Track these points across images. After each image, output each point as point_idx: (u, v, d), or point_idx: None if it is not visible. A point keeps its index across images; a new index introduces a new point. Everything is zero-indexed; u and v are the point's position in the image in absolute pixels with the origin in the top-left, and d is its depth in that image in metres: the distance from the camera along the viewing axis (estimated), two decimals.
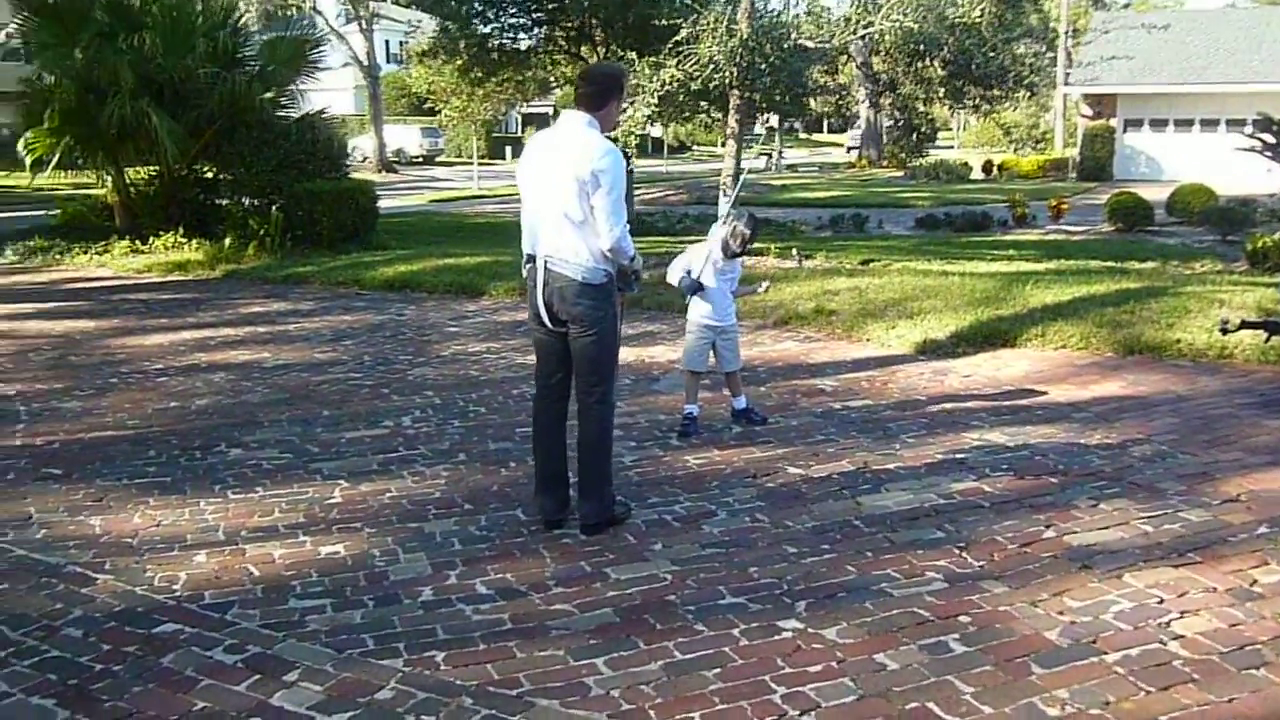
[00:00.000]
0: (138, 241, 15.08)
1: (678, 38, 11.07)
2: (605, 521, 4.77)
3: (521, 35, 17.96)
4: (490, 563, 4.49)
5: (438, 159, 50.95)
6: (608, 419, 4.83)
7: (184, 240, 14.95)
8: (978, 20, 10.57)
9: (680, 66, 10.92)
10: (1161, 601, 3.98)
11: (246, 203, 15.14)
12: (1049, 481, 5.32)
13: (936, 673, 3.52)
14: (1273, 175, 16.12)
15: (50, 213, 18.33)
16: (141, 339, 9.59)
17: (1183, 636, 3.72)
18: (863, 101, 27.72)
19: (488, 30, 16.90)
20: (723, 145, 13.01)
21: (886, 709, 3.33)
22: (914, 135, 14.58)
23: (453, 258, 13.64)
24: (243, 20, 16.05)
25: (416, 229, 20.04)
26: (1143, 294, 9.25)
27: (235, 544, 4.78)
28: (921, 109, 12.89)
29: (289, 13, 43.90)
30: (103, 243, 15.21)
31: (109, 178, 15.80)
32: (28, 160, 15.01)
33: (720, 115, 13.76)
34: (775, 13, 10.71)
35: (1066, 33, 30.11)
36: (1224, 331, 6.92)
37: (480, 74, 18.18)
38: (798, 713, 3.32)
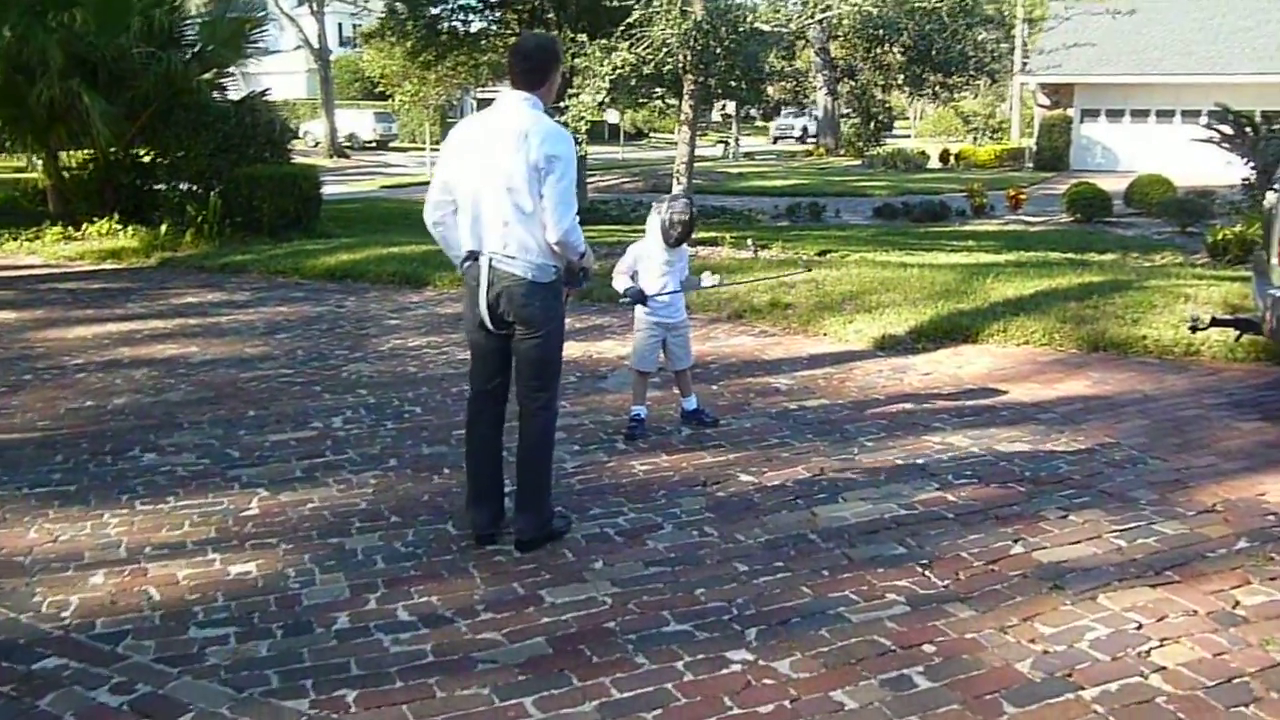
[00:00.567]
0: (71, 228, 14.49)
1: (630, 20, 10.67)
2: (544, 536, 4.41)
3: (472, 17, 17.49)
4: (415, 584, 4.12)
5: (391, 144, 50.15)
6: (551, 426, 4.49)
7: (119, 227, 14.36)
8: (938, 5, 10.26)
9: (632, 49, 10.54)
10: (1140, 627, 3.68)
11: (184, 188, 14.59)
12: (1015, 490, 5.02)
13: (899, 713, 3.19)
14: (1232, 167, 15.99)
15: None
16: (64, 332, 9.09)
17: (1164, 668, 3.41)
18: (820, 88, 27.40)
19: (437, 11, 16.40)
20: (677, 132, 12.62)
21: None
22: (871, 124, 14.33)
23: (398, 246, 13.19)
24: None
25: (364, 216, 19.53)
26: (1106, 288, 9.00)
27: (137, 562, 4.37)
28: (879, 97, 12.61)
29: None
30: (34, 229, 14.60)
31: (39, 161, 15.15)
32: None
33: (675, 101, 13.37)
34: None
35: (1023, 20, 30.00)
36: (1194, 329, 6.67)
37: (430, 57, 17.69)
38: None
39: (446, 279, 10.57)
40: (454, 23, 17.15)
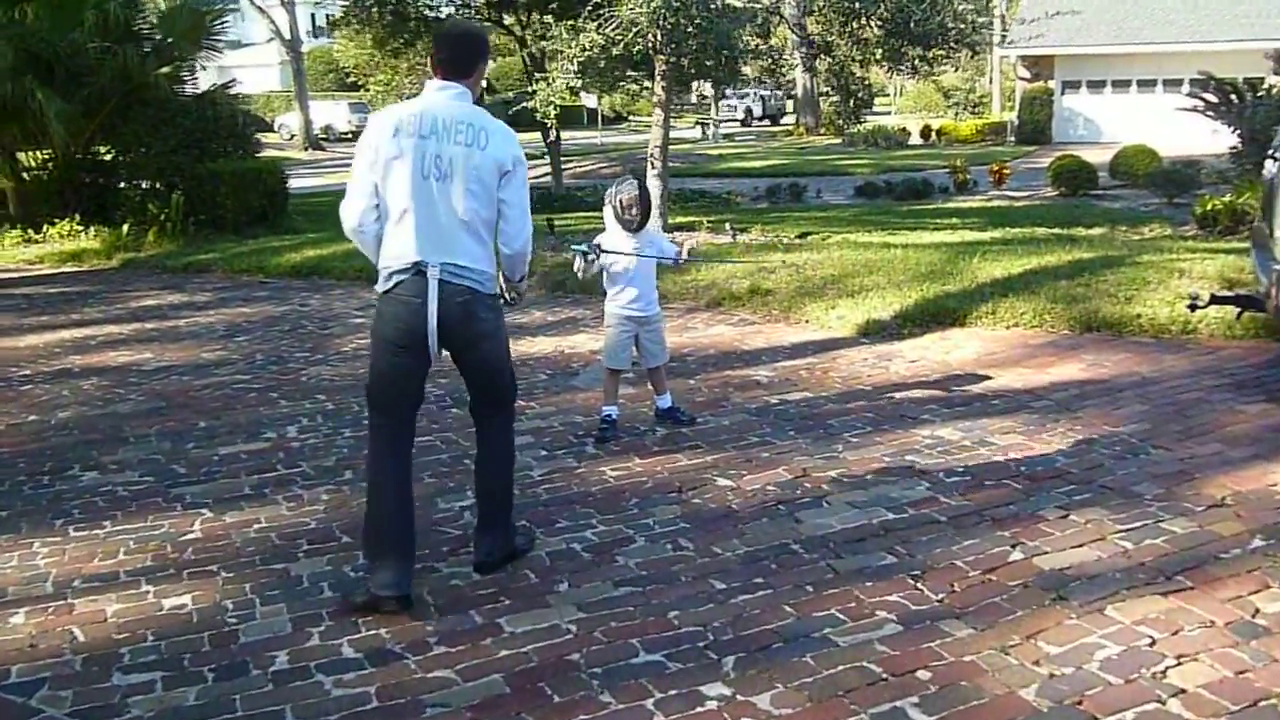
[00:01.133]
0: (30, 230, 14.06)
1: None
2: (507, 556, 4.07)
3: (440, 2, 17.05)
4: (363, 614, 3.76)
5: None
6: (513, 437, 4.19)
7: (80, 228, 13.95)
8: None
9: (600, 30, 10.15)
10: (1153, 643, 3.36)
11: (145, 186, 14.17)
12: (1011, 487, 4.70)
13: None
14: (1218, 136, 15.68)
15: None
16: (14, 341, 8.71)
17: (1183, 691, 3.10)
18: (797, 66, 27.01)
19: None
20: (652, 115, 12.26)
21: None
22: (851, 101, 14.00)
23: None
24: None
25: (334, 210, 19.04)
26: (1097, 264, 8.68)
27: (63, 598, 4.02)
28: (858, 74, 12.23)
29: None
30: None
31: None
32: None
33: (649, 83, 12.98)
34: None
35: None
36: (1193, 308, 6.34)
37: (399, 44, 17.23)
38: None
39: None
40: (421, 8, 16.70)
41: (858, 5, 10.20)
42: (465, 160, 3.65)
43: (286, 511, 4.79)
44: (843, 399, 6.15)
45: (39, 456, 5.71)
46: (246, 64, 53.80)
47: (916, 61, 11.25)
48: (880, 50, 11.11)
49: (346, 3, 16.79)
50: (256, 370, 7.38)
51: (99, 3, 13.71)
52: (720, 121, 46.06)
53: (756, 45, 12.09)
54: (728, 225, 12.29)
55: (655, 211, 12.00)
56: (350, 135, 48.73)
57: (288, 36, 41.03)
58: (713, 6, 10.05)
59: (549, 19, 10.89)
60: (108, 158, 15.14)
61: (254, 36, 53.07)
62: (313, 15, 55.52)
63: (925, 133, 36.01)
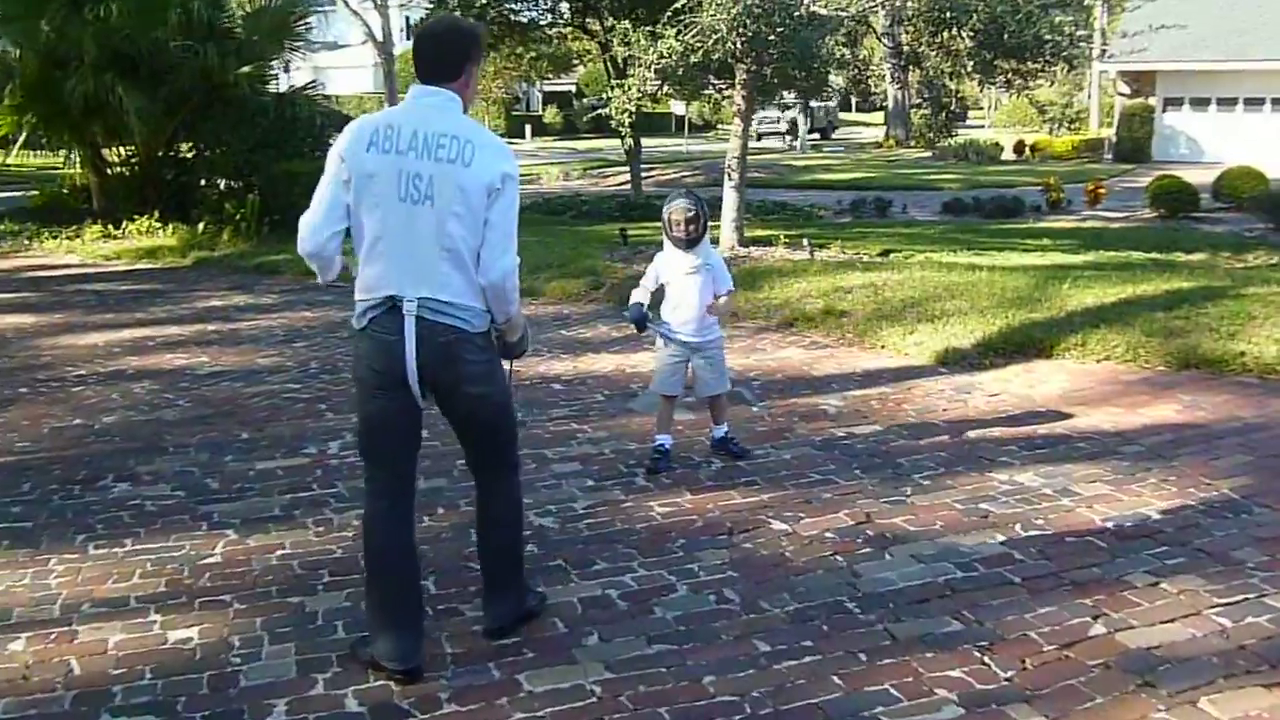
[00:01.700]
0: (111, 226, 14.15)
1: (677, 4, 9.97)
2: (519, 620, 3.68)
3: (521, 6, 16.90)
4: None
5: None
6: (521, 493, 3.75)
7: (159, 225, 14.00)
8: None
9: (679, 36, 9.83)
10: None
11: (223, 185, 14.19)
12: (1095, 546, 4.26)
13: None
14: None
15: (30, 193, 17.51)
16: (77, 338, 8.66)
17: None
18: (886, 77, 26.47)
19: (485, 1, 15.82)
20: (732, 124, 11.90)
21: None
22: (942, 114, 13.52)
23: None
24: None
25: None
26: (1198, 295, 8.12)
27: (68, 624, 3.80)
28: (950, 86, 11.78)
29: None
30: (75, 227, 14.31)
31: (78, 158, 14.87)
32: None
33: (731, 91, 12.62)
34: None
35: (1102, 3, 28.70)
36: None
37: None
38: None
39: None
40: (504, 10, 16.55)
41: (949, 15, 9.74)
42: (448, 179, 3.17)
43: (314, 537, 4.54)
44: (915, 435, 5.74)
45: (75, 464, 5.55)
46: (341, 65, 54.58)
47: (1010, 75, 10.75)
48: (972, 62, 10.63)
49: (430, 5, 16.70)
50: (308, 379, 7.19)
51: (183, 1, 13.76)
52: (760, 135, 42.91)
53: (842, 55, 11.66)
54: (805, 241, 11.86)
55: (731, 225, 11.72)
56: None
57: (380, 39, 41.39)
58: (796, 14, 9.68)
59: (627, 24, 10.60)
60: (189, 156, 15.22)
61: (350, 38, 53.76)
62: (407, 18, 56.19)
63: (1019, 148, 35.06)
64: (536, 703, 3.23)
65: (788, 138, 39.47)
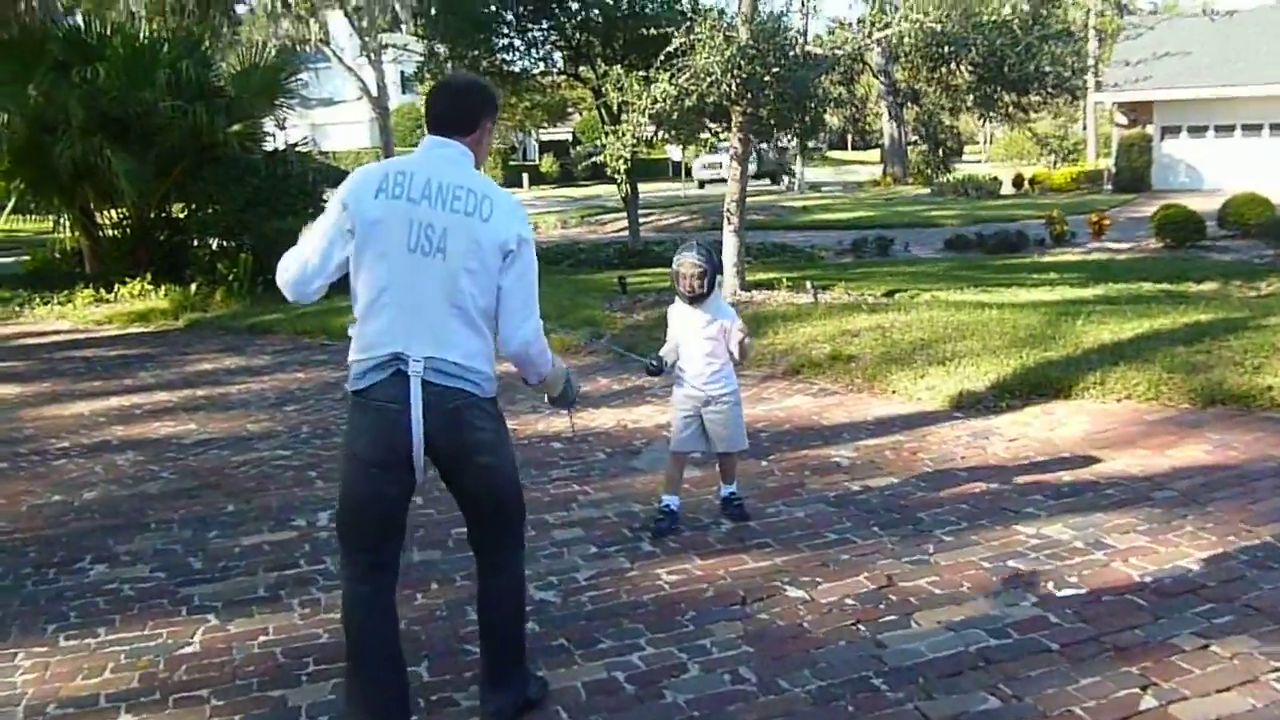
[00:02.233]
0: (103, 290, 13.97)
1: (669, 49, 9.80)
2: (520, 711, 3.38)
3: (513, 55, 16.80)
4: None
5: None
6: (523, 566, 3.43)
7: (151, 287, 13.82)
8: (1009, 17, 9.25)
9: (673, 80, 9.65)
10: None
11: (215, 245, 14.01)
12: (1136, 606, 3.97)
13: None
14: None
15: (23, 259, 17.35)
16: (63, 408, 8.41)
17: None
18: (883, 115, 26.35)
19: (478, 52, 15.72)
20: (727, 168, 11.70)
21: None
22: (939, 150, 13.32)
23: None
24: (209, 49, 14.88)
25: None
26: (1218, 327, 7.86)
27: None
28: (946, 121, 11.58)
29: (305, 48, 43.26)
30: (66, 292, 14.12)
31: (68, 221, 14.71)
32: None
33: (727, 135, 12.43)
34: (778, 15, 9.43)
35: (1094, 34, 28.65)
36: None
37: None
38: None
39: None
40: (497, 62, 16.44)
41: (947, 50, 9.56)
42: (463, 232, 2.98)
43: (299, 620, 4.25)
44: (933, 486, 5.45)
45: (52, 544, 5.27)
46: (337, 121, 54.86)
47: (1010, 108, 10.56)
48: (972, 96, 10.44)
49: (421, 58, 16.61)
50: (299, 445, 6.93)
51: (171, 61, 13.65)
52: (704, 182, 41.53)
53: (839, 94, 11.49)
54: (809, 284, 11.63)
55: (732, 269, 11.49)
56: None
57: (375, 94, 41.53)
58: (791, 54, 9.50)
59: (618, 69, 10.43)
60: (181, 216, 15.07)
61: (345, 94, 53.94)
62: (402, 72, 56.48)
63: (1018, 181, 34.97)
64: None
65: (784, 179, 39.31)
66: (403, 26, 35.23)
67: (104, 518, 5.68)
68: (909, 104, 11.80)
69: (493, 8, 15.99)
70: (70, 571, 4.90)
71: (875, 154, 52.85)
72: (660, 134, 12.60)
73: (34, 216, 15.56)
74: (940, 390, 7.12)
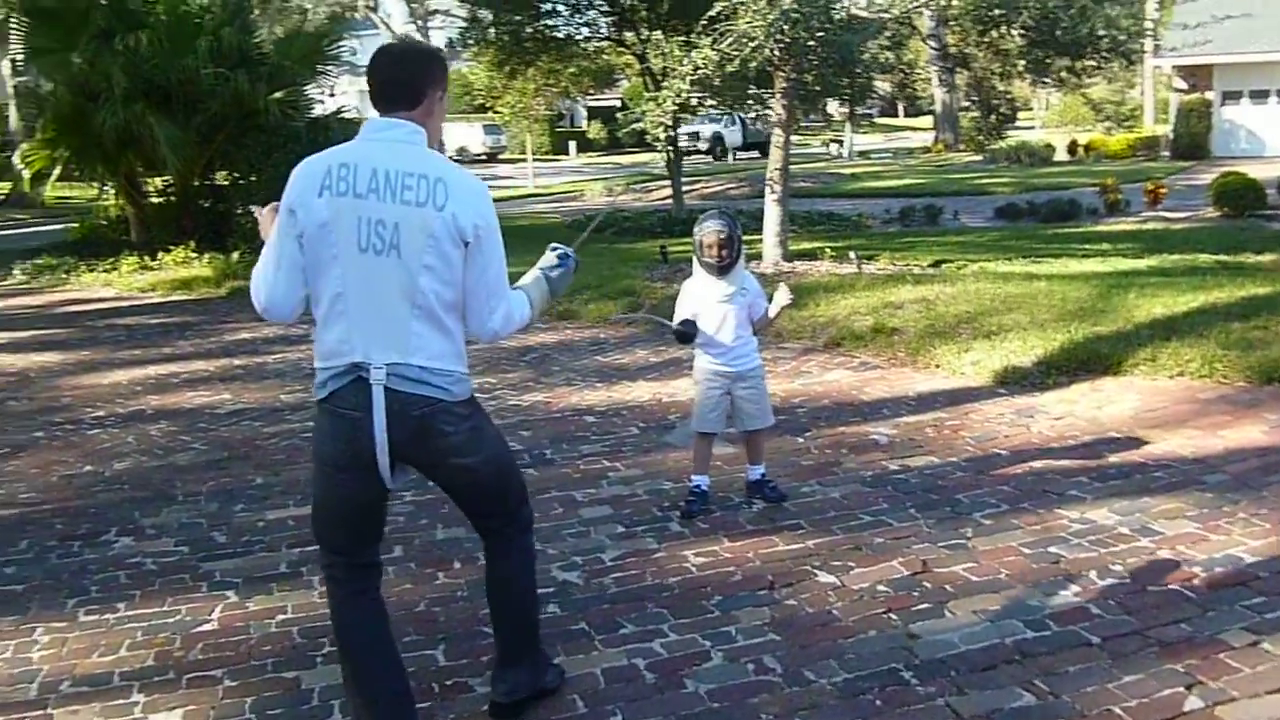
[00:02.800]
0: (147, 257, 14.02)
1: (712, 13, 9.59)
2: (533, 696, 3.27)
3: (557, 21, 16.59)
4: None
5: (501, 156, 49.87)
6: (534, 548, 3.31)
7: (195, 255, 13.85)
8: None
9: (715, 45, 9.44)
10: None
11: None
12: (1183, 597, 3.79)
13: None
14: None
15: (70, 226, 17.49)
16: (101, 377, 8.42)
17: None
18: (931, 80, 25.80)
19: (520, 17, 15.54)
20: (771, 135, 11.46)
21: None
22: (992, 115, 12.88)
23: None
24: (258, 15, 14.86)
25: None
26: (1277, 302, 7.57)
27: (43, 707, 3.47)
28: (999, 87, 11.24)
29: (354, 14, 43.29)
30: (112, 259, 14.20)
31: (112, 189, 14.79)
32: (26, 175, 14.05)
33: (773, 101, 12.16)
34: None
35: (1153, 0, 27.90)
36: None
37: (517, 65, 16.84)
38: None
39: None
40: (540, 28, 16.25)
41: (998, 13, 9.26)
42: (416, 226, 2.72)
43: (318, 598, 4.16)
44: (974, 467, 5.28)
45: (79, 516, 5.26)
46: None
47: (1064, 73, 10.23)
48: (1023, 61, 10.13)
49: (463, 24, 16.47)
50: None
51: (214, 29, 13.62)
52: (687, 152, 39.92)
53: (886, 59, 11.21)
54: (852, 253, 11.39)
55: (774, 239, 11.30)
56: (484, 157, 49.30)
57: None
58: (836, 18, 9.25)
59: (658, 34, 10.23)
60: (225, 184, 15.09)
61: None
62: (449, 39, 56.40)
63: (1072, 148, 34.23)
64: None
65: (834, 145, 38.80)
66: None
67: (133, 489, 5.65)
68: (959, 69, 11.49)
69: None
70: (95, 544, 4.88)
71: (927, 120, 51.91)
72: (704, 100, 12.40)
73: (81, 184, 15.63)
74: (985, 365, 6.92)
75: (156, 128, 12.64)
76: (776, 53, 9.38)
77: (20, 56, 16.93)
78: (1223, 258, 11.76)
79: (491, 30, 15.78)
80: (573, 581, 4.21)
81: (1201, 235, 14.34)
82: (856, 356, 7.67)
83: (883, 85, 17.16)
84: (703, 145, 41.52)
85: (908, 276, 10.03)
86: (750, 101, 13.46)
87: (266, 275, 2.87)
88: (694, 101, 10.87)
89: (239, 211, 14.42)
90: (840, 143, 38.12)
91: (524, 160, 38.68)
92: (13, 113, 21.97)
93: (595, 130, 55.09)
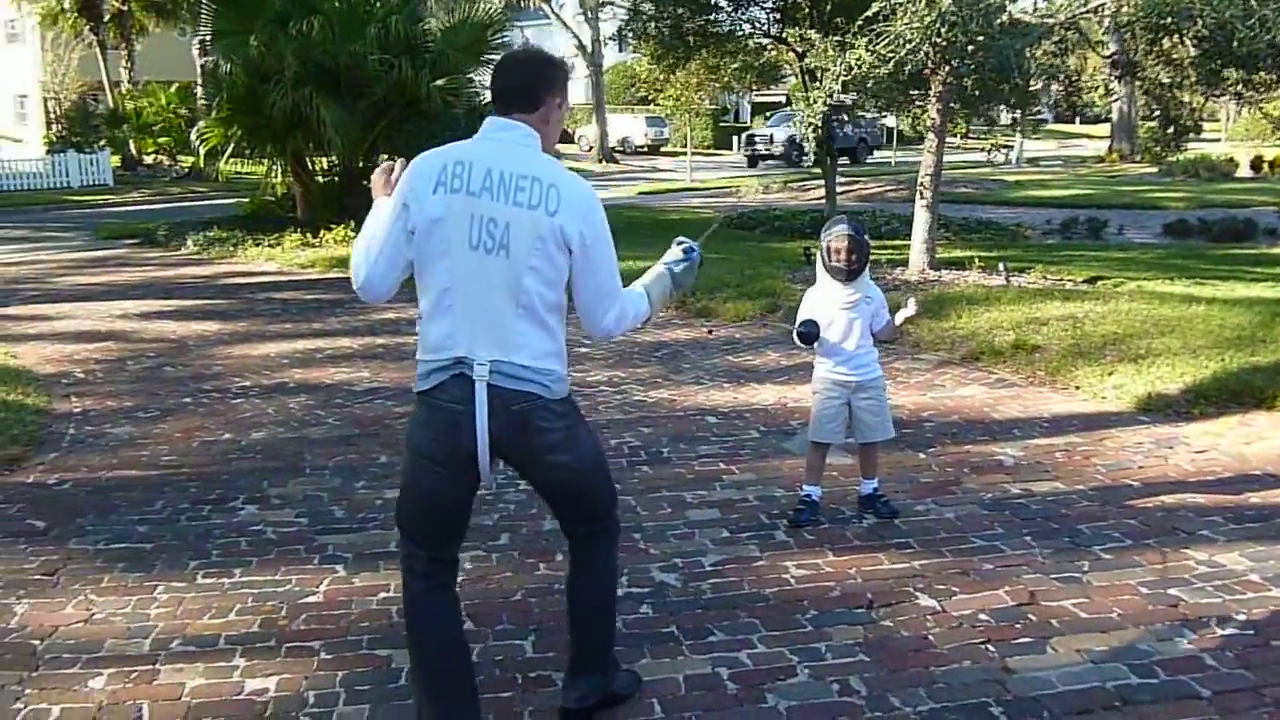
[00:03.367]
0: (310, 235, 14.57)
1: (868, 13, 9.41)
2: (604, 702, 3.26)
3: (720, 15, 16.52)
4: None
5: (662, 149, 50.08)
6: (616, 554, 3.29)
7: (355, 234, 14.27)
8: None
9: (870, 47, 9.27)
10: None
11: None
12: None
13: None
14: None
15: (242, 201, 18.31)
16: (251, 348, 8.80)
17: None
18: (1097, 89, 24.70)
19: (682, 11, 15.55)
20: (927, 137, 11.20)
21: None
22: (1170, 126, 12.23)
23: (622, 261, 12.40)
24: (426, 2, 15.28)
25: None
26: None
27: (153, 662, 3.64)
28: (1184, 98, 10.64)
29: (526, 4, 44.09)
30: (277, 235, 14.81)
31: (279, 168, 15.43)
32: (201, 150, 14.76)
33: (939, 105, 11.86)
34: None
35: None
36: None
37: (676, 59, 16.84)
38: None
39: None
40: (701, 22, 16.21)
41: (1169, 21, 8.82)
42: (526, 227, 2.77)
43: None
44: (1102, 496, 5.05)
45: (212, 482, 5.50)
46: None
47: (1239, 86, 9.68)
48: (1195, 72, 9.63)
49: (624, 17, 16.56)
50: None
51: (382, 16, 14.05)
52: (760, 156, 36.62)
53: (1051, 65, 10.83)
54: (1001, 265, 11.02)
55: (922, 246, 11.04)
56: (645, 149, 49.60)
57: (589, 50, 41.98)
58: (997, 22, 8.96)
59: (814, 35, 10.09)
60: None
61: (564, 52, 54.77)
62: (619, 29, 56.91)
63: (1256, 164, 32.45)
64: None
65: (1002, 152, 37.66)
66: None
67: (265, 459, 5.89)
68: (1126, 76, 11.00)
69: None
70: (223, 510, 5.10)
71: (1104, 128, 49.94)
72: (859, 101, 12.20)
73: (252, 161, 16.34)
74: (1128, 390, 6.62)
75: (323, 110, 13.13)
76: (932, 55, 9.14)
77: (208, 38, 17.76)
78: None
79: (652, 24, 15.79)
80: (670, 584, 4.20)
81: None
82: (994, 373, 7.43)
83: (1047, 92, 16.46)
84: (777, 150, 38.05)
85: (1058, 292, 9.67)
86: (908, 105, 13.15)
87: (369, 255, 2.94)
88: (848, 102, 10.66)
89: None
90: (1004, 149, 36.95)
91: (683, 154, 38.75)
92: (199, 91, 23.13)
93: (759, 125, 54.84)
